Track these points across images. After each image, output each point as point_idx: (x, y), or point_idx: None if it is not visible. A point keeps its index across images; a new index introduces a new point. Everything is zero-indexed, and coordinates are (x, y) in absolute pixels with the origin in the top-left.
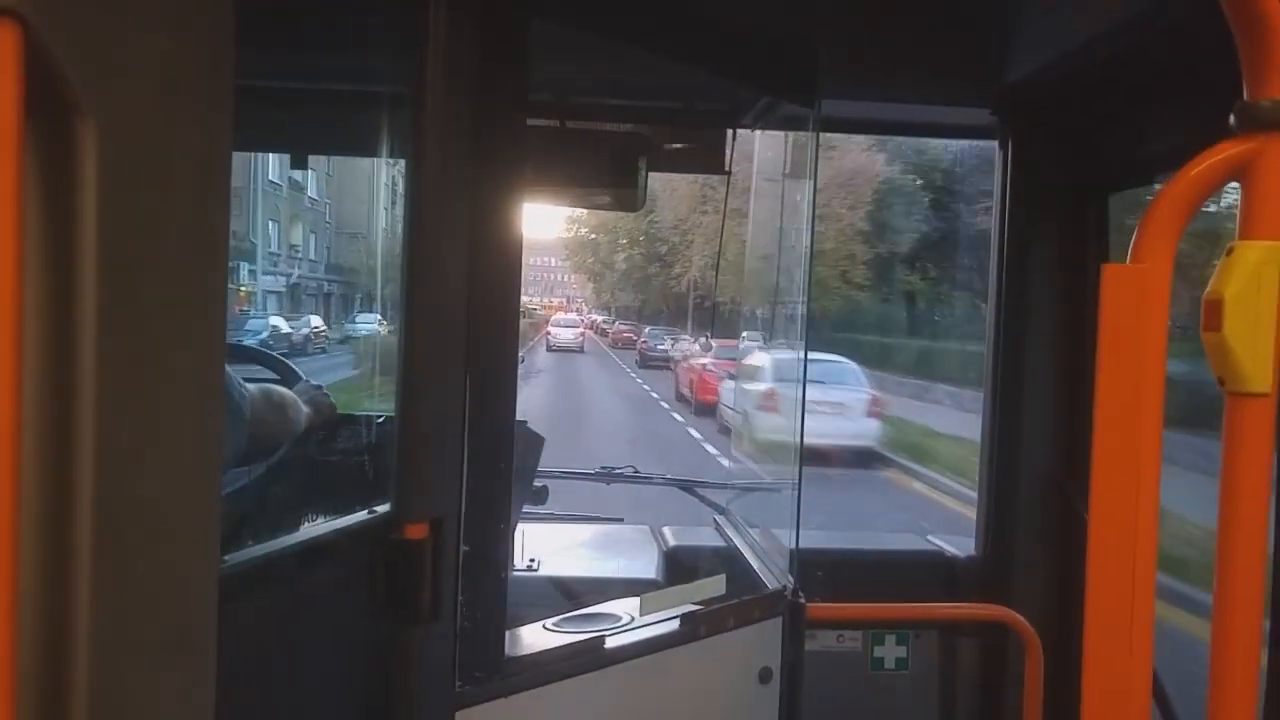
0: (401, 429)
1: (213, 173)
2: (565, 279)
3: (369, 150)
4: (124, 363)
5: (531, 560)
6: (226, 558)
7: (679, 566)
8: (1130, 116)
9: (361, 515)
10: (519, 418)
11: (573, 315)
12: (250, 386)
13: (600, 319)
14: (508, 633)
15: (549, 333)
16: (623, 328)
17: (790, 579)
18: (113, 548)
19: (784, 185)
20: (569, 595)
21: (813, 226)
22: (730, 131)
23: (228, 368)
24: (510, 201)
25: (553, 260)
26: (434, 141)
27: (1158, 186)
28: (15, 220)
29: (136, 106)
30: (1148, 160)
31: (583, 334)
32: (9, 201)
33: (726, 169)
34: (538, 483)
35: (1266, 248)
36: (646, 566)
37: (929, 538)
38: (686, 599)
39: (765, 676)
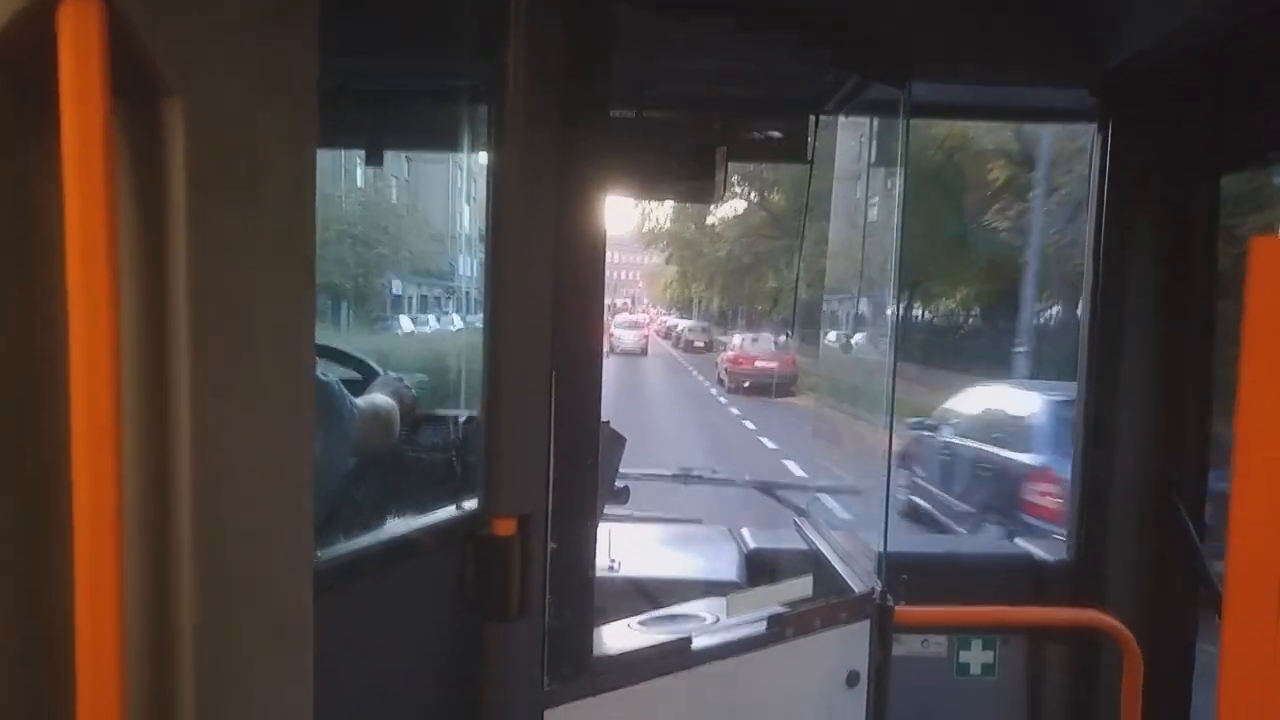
0: (487, 425)
1: (299, 168)
2: (629, 277)
3: (448, 146)
4: (218, 355)
5: (613, 561)
6: (320, 553)
7: (760, 568)
8: (1244, 94)
9: (450, 511)
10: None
11: (638, 316)
12: (361, 403)
13: (673, 322)
14: (594, 633)
15: (612, 334)
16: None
17: (878, 582)
18: (211, 544)
19: (867, 174)
20: (651, 596)
21: (903, 217)
22: (813, 119)
23: (338, 382)
24: (594, 194)
25: (615, 255)
26: (517, 134)
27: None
28: (108, 200)
29: (223, 95)
30: (1263, 138)
31: (646, 336)
32: (100, 180)
33: (809, 158)
34: (619, 483)
35: None
36: (728, 568)
37: (1016, 540)
38: (773, 600)
39: (853, 680)
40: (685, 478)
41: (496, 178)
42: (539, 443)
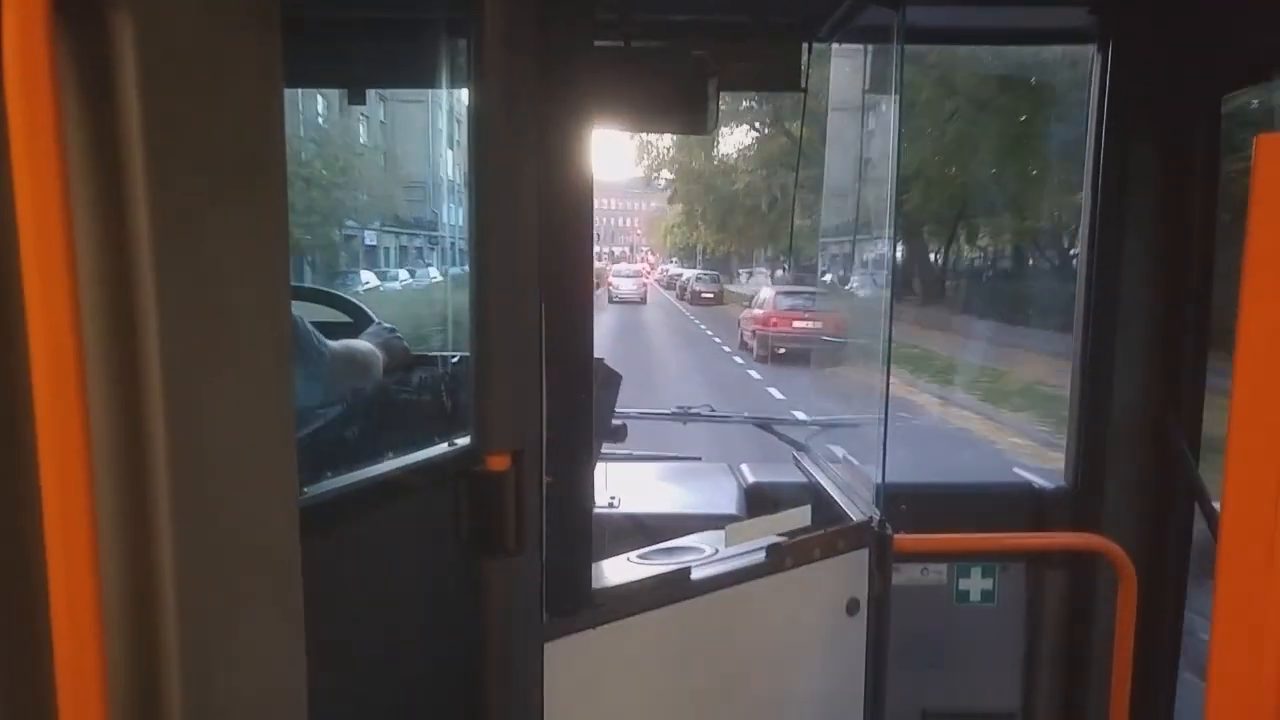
0: (477, 361)
1: (265, 99)
2: (627, 224)
3: (427, 82)
4: (184, 292)
5: (613, 497)
6: (308, 490)
7: (760, 501)
8: (1246, 8)
9: (442, 448)
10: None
11: (638, 265)
12: (333, 344)
13: (676, 271)
14: (594, 566)
15: (610, 283)
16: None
17: (876, 511)
18: (190, 486)
19: (864, 104)
20: (651, 531)
21: (898, 150)
22: (806, 46)
23: (309, 324)
24: (579, 126)
25: (612, 202)
26: (497, 67)
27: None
28: (55, 124)
29: (177, 14)
30: (1266, 55)
31: (644, 284)
32: (45, 101)
33: (803, 86)
34: (615, 421)
35: None
36: (727, 502)
37: (1016, 470)
38: (772, 530)
39: (852, 608)
40: (684, 415)
41: (478, 112)
42: (531, 378)
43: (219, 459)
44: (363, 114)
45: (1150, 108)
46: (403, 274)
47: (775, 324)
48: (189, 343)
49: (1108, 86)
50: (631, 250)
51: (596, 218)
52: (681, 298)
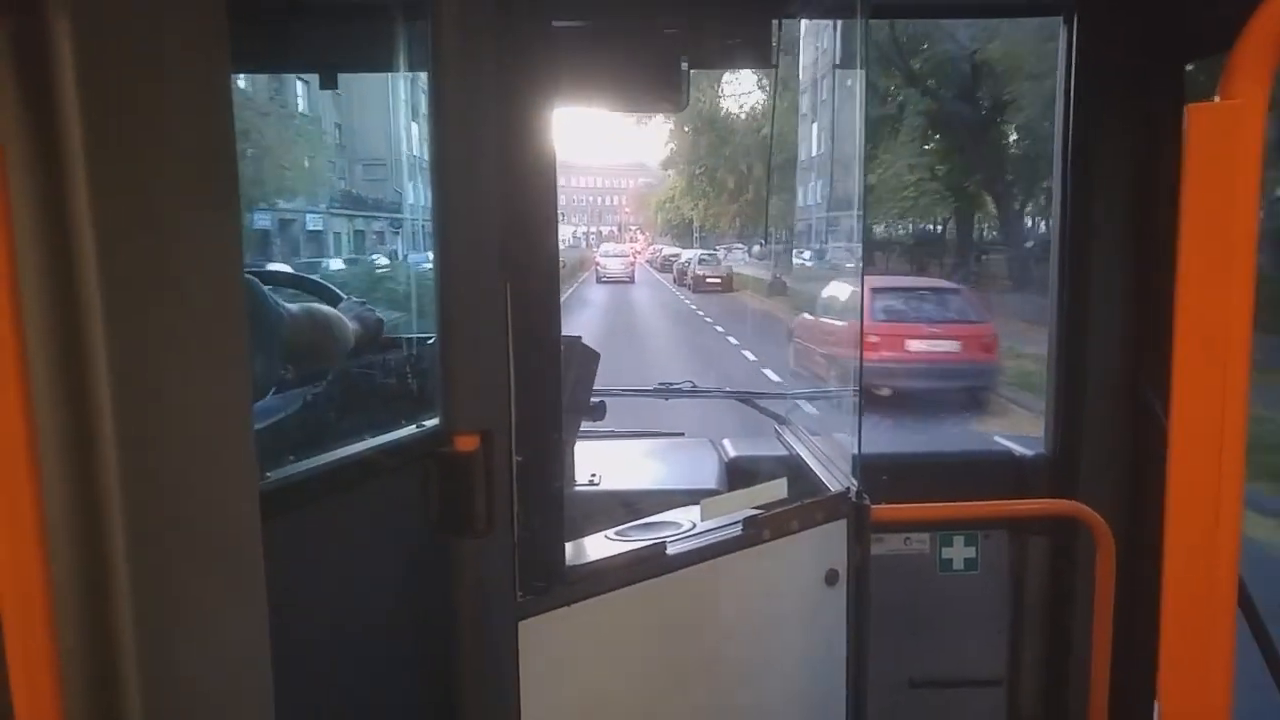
0: (442, 342)
1: (211, 85)
2: (614, 202)
3: (385, 66)
4: (130, 277)
5: (594, 475)
6: (270, 474)
7: (741, 475)
8: None
9: (410, 429)
10: (573, 334)
11: (625, 246)
12: (292, 306)
13: (671, 252)
14: (571, 544)
15: (598, 264)
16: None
17: (854, 481)
18: (142, 472)
19: (835, 80)
20: (631, 507)
21: (863, 126)
22: (776, 22)
23: (259, 283)
24: (541, 107)
25: (599, 180)
26: (455, 49)
27: None
28: None
29: (116, 8)
30: (1232, 24)
31: (632, 263)
32: None
33: (774, 63)
34: (594, 399)
35: None
36: (708, 477)
37: (996, 438)
38: (748, 503)
39: (832, 579)
40: (665, 392)
41: (437, 95)
42: (497, 357)
43: (172, 443)
44: (300, 78)
45: (1118, 78)
46: (334, 263)
47: (878, 348)
48: (137, 325)
49: (1075, 57)
50: (620, 229)
51: (583, 197)
52: (680, 283)
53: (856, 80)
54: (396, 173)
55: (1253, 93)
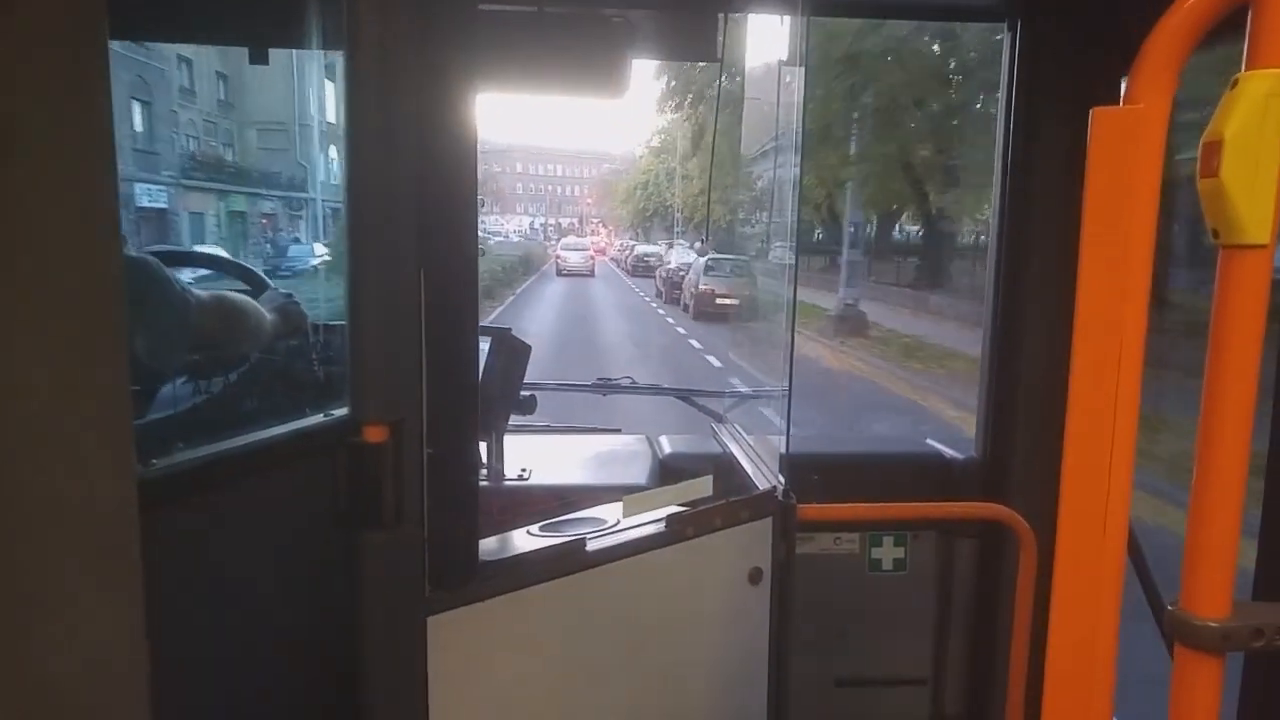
0: (353, 331)
1: (84, 53)
2: (575, 193)
3: (297, 43)
4: None
5: (523, 469)
6: (157, 461)
7: (673, 473)
8: None
9: (317, 418)
10: (503, 325)
11: (584, 240)
12: (201, 293)
13: (645, 250)
14: (492, 539)
15: (558, 256)
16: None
17: (780, 480)
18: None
19: (779, 75)
20: (561, 503)
21: (802, 123)
22: (722, 16)
23: (172, 272)
24: (464, 89)
25: (559, 169)
26: (371, 27)
27: None
28: None
29: None
30: None
31: (592, 257)
32: None
33: (718, 56)
34: (527, 393)
35: (1276, 77)
36: (639, 474)
37: (928, 441)
38: (673, 500)
39: (755, 577)
40: (603, 388)
41: (351, 75)
42: (409, 348)
43: (32, 429)
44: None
45: (1059, 86)
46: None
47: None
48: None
49: (1017, 66)
50: (580, 222)
51: (541, 186)
52: (668, 298)
53: (798, 78)
54: (304, 142)
55: (1155, 99)
